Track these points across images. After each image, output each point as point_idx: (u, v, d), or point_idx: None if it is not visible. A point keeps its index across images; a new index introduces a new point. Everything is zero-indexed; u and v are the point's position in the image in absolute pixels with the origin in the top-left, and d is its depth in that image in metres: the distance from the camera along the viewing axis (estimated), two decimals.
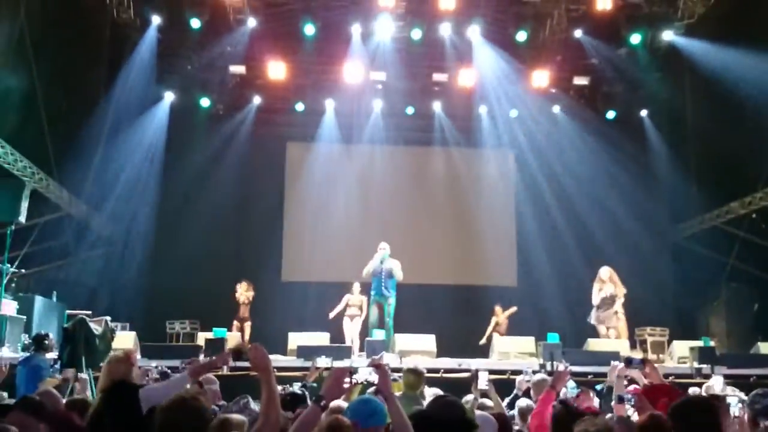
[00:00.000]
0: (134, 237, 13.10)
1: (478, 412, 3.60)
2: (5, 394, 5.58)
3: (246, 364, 2.93)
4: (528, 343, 10.31)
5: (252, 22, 13.19)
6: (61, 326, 8.79)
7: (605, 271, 10.91)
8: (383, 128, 14.58)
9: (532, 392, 5.29)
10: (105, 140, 12.38)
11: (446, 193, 14.84)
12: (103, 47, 12.94)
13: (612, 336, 10.70)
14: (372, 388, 3.16)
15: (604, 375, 5.98)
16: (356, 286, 11.10)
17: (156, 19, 12.83)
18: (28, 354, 7.40)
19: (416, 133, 14.86)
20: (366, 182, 14.57)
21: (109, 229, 13.18)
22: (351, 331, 10.89)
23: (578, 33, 13.37)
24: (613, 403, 4.05)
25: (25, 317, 9.85)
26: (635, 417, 3.60)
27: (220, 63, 13.74)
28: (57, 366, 7.04)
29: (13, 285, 10.53)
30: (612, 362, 4.64)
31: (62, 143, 11.41)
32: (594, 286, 10.93)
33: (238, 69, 13.88)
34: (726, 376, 7.68)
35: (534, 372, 6.43)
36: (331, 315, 10.89)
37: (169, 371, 6.38)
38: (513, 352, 10.11)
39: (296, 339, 10.09)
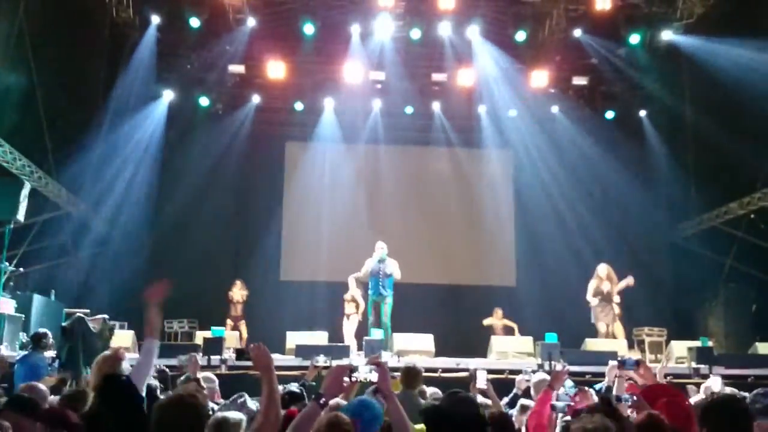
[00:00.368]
0: (133, 236, 13.07)
1: None
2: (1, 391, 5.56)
3: (246, 363, 2.92)
4: (526, 342, 10.35)
5: (251, 22, 13.20)
6: (59, 325, 8.77)
7: (603, 268, 10.90)
8: (382, 128, 14.57)
9: (532, 391, 5.30)
10: (104, 139, 12.37)
11: (445, 193, 14.80)
12: (103, 46, 12.95)
13: (611, 331, 10.70)
14: (372, 387, 3.16)
15: (602, 375, 6.00)
16: (350, 281, 11.07)
17: (155, 19, 12.84)
18: (26, 352, 7.38)
19: (415, 132, 14.83)
20: (365, 182, 14.56)
21: (108, 227, 13.16)
22: (348, 330, 10.90)
23: (577, 33, 13.38)
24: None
25: (23, 316, 9.85)
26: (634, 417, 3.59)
27: (220, 62, 13.71)
28: (55, 365, 7.05)
29: (12, 283, 10.53)
30: (610, 362, 4.65)
31: (61, 142, 11.41)
32: (591, 282, 10.93)
33: (237, 68, 13.85)
34: (724, 377, 7.65)
35: (533, 372, 6.44)
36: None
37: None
38: (511, 351, 10.12)
39: (294, 338, 10.10)
